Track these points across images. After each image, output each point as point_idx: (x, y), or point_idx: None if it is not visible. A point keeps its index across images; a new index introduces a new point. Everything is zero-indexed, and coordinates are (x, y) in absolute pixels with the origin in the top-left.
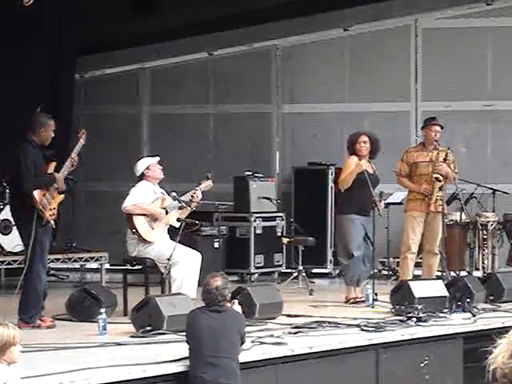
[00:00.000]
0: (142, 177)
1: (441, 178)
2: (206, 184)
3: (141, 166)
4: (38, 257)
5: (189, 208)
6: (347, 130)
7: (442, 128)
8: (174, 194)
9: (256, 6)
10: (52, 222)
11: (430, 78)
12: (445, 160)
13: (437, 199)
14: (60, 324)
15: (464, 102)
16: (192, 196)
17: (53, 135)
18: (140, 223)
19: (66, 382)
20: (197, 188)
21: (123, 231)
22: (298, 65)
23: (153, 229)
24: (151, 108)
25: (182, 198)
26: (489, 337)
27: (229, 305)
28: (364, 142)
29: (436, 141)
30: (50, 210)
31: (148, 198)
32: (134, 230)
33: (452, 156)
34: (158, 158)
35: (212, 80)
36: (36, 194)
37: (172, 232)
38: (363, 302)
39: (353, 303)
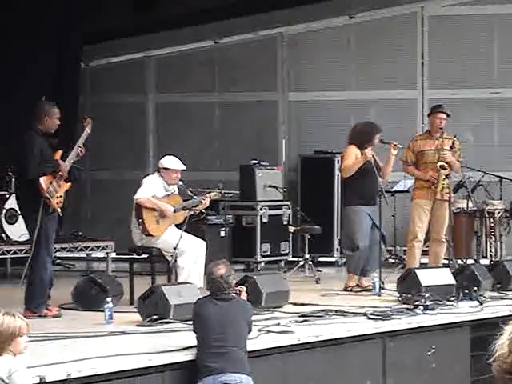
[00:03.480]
0: (158, 170)
1: (446, 165)
2: (216, 193)
3: (163, 162)
4: (44, 246)
5: (194, 210)
6: (353, 118)
7: (447, 116)
8: (181, 182)
9: None
10: (59, 210)
11: (437, 65)
12: (452, 148)
13: (443, 187)
14: (66, 313)
15: (471, 89)
16: (201, 201)
17: (58, 122)
18: (148, 216)
19: (73, 371)
20: (206, 195)
21: (129, 220)
22: (304, 53)
23: (158, 224)
24: (157, 96)
25: (191, 201)
26: (496, 325)
27: (233, 295)
28: (379, 137)
29: (441, 128)
30: (57, 198)
31: (159, 193)
32: (141, 220)
33: (458, 144)
34: (183, 167)
35: (218, 68)
36: (42, 181)
37: None
38: (366, 290)
39: (356, 291)
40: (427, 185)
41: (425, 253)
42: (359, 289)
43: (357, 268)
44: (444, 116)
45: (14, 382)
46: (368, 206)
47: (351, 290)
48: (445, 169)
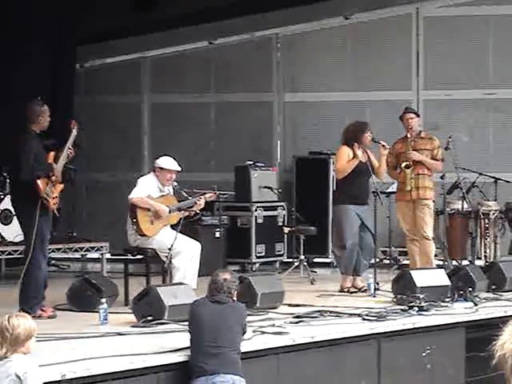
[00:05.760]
0: (154, 169)
1: (410, 164)
2: (211, 195)
3: (159, 162)
4: (38, 246)
5: (189, 212)
6: (348, 119)
7: (417, 115)
8: (176, 183)
9: None
10: (55, 210)
11: (432, 66)
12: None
13: (418, 187)
14: (61, 314)
15: (465, 90)
16: (195, 202)
17: (49, 119)
18: (142, 216)
19: (67, 372)
20: (201, 196)
21: (124, 221)
22: (299, 53)
23: (152, 224)
24: (152, 97)
25: (186, 202)
26: (491, 326)
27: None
28: (370, 135)
29: (411, 128)
30: (53, 198)
31: (153, 193)
32: (135, 220)
33: (437, 142)
34: (178, 169)
35: (213, 69)
36: (40, 182)
37: None
38: (363, 291)
39: (351, 292)
40: (403, 186)
41: None
42: (354, 290)
43: (348, 268)
44: (412, 115)
45: (28, 381)
46: (356, 205)
47: (348, 292)
48: (409, 167)
